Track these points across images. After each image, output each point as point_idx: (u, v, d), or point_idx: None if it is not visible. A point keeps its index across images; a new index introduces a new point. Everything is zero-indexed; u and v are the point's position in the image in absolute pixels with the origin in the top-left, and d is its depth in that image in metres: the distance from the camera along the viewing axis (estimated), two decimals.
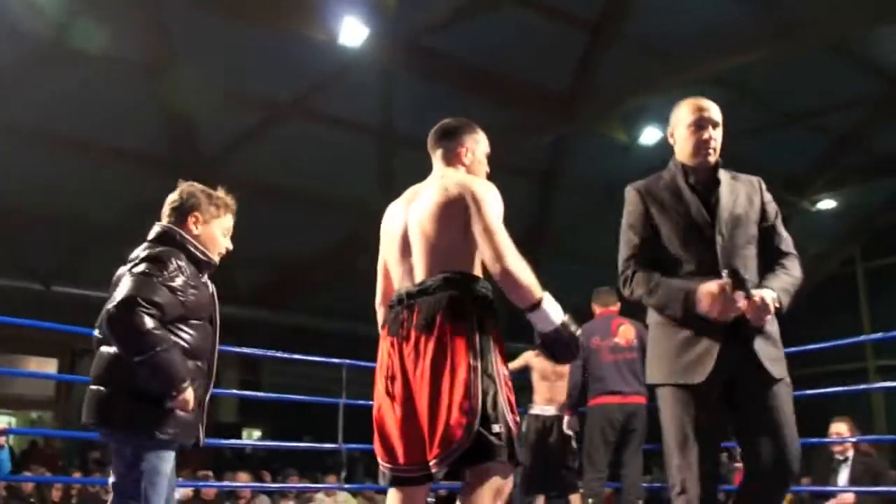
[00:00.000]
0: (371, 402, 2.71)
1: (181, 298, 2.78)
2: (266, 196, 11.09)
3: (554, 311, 2.54)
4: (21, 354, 12.54)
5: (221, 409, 14.24)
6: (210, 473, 9.52)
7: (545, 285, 2.53)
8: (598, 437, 5.64)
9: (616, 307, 6.07)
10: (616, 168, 12.31)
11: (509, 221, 2.59)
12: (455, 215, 2.59)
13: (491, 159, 2.95)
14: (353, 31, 8.96)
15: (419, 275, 2.62)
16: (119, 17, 8.51)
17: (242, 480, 9.22)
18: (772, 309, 2.65)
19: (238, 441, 12.92)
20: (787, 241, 2.88)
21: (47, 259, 10.76)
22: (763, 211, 2.87)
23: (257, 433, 15.33)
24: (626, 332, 5.88)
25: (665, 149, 3.00)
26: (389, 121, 10.50)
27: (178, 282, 2.78)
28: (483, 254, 2.54)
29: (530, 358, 6.74)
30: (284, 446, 12.32)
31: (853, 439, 6.05)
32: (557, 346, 2.56)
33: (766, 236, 2.85)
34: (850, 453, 6.07)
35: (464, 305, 2.52)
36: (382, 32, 9.19)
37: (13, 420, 13.30)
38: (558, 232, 13.44)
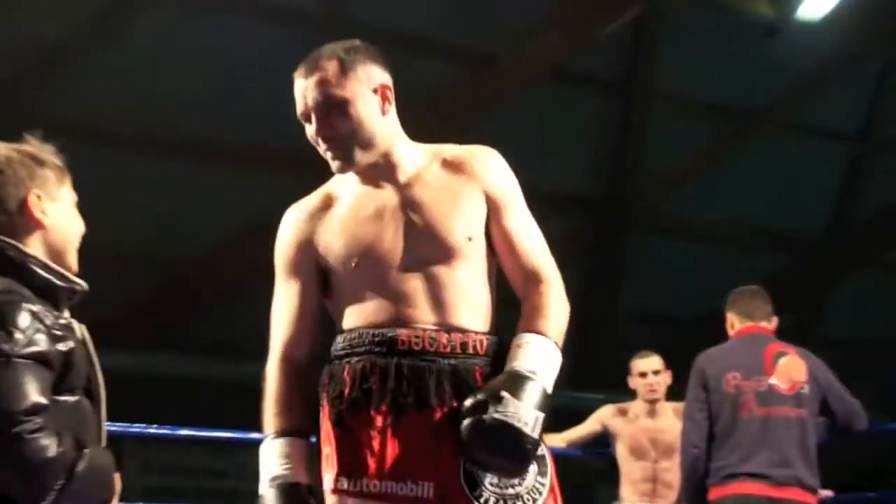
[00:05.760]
0: None
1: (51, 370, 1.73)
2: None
3: None
4: None
5: None
6: None
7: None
8: None
9: (772, 323, 3.65)
10: (753, 65, 8.16)
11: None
12: None
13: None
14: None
15: None
16: None
17: None
18: None
19: None
20: None
21: None
22: None
23: None
24: (789, 367, 3.47)
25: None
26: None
27: (42, 344, 1.69)
28: None
29: (608, 418, 4.51)
30: None
31: None
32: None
33: None
34: None
35: None
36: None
37: None
38: (650, 182, 8.86)
